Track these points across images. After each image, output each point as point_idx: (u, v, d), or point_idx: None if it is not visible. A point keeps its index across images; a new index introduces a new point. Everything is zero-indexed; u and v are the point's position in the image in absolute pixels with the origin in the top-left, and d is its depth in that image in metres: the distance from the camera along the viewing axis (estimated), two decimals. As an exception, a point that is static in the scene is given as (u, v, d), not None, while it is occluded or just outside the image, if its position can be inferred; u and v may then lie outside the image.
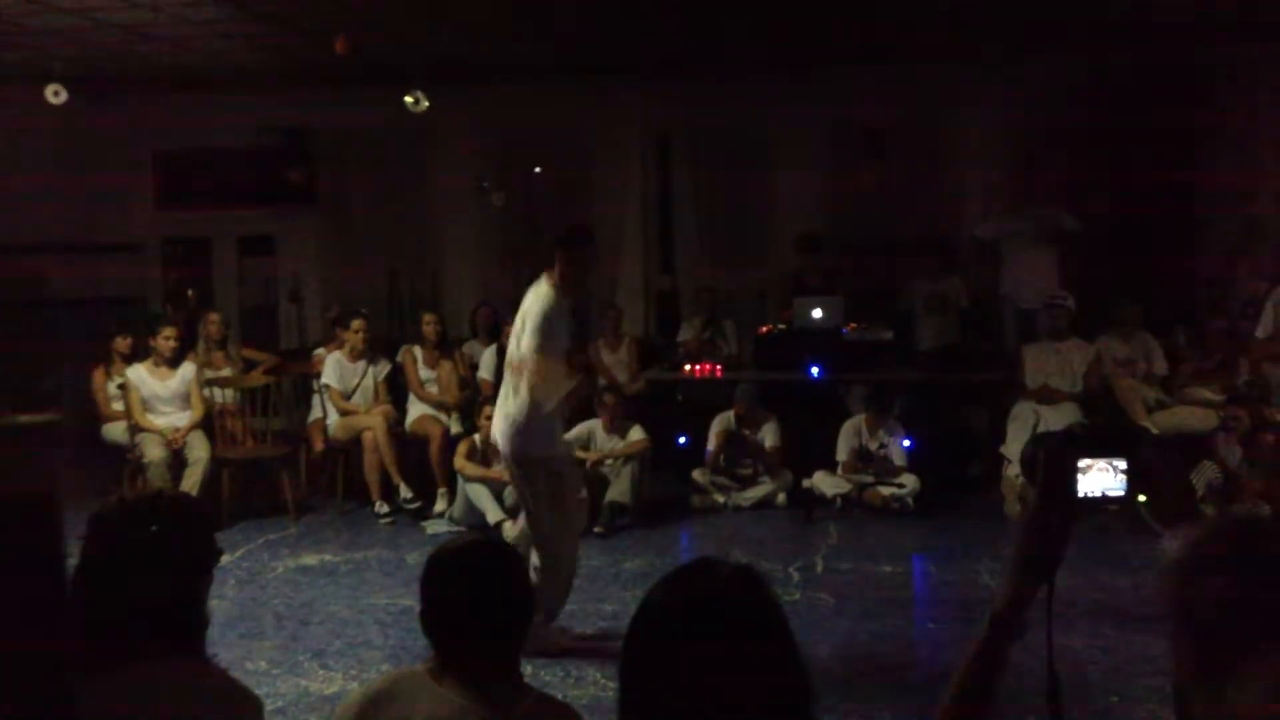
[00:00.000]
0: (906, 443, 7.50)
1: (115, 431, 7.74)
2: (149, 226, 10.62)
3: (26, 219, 9.78)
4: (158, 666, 2.00)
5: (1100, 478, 1.59)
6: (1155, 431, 7.09)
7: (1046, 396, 7.44)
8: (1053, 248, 8.63)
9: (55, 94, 7.70)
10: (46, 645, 1.26)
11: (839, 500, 7.36)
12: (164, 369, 7.52)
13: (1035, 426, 7.31)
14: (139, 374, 7.54)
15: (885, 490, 7.32)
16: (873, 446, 7.50)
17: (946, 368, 8.12)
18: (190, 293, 10.76)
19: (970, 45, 8.62)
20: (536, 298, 4.79)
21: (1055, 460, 1.59)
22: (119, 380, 7.76)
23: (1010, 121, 9.17)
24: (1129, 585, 5.58)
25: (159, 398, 7.49)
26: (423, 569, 2.29)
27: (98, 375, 7.98)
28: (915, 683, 4.54)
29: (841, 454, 7.52)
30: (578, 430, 7.50)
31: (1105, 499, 1.60)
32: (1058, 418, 7.27)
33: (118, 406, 7.74)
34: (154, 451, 7.21)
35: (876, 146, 9.49)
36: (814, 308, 8.26)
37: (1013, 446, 7.29)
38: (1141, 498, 1.65)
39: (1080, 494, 1.59)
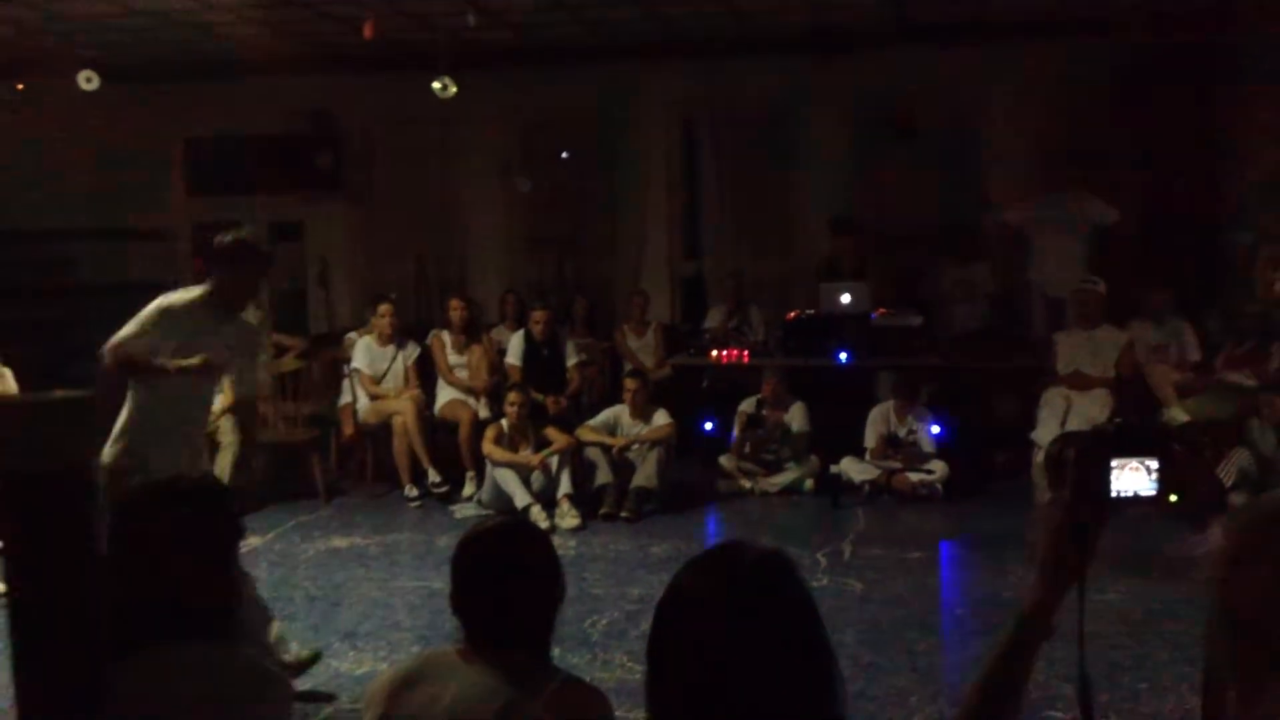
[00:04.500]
0: (935, 429, 7.47)
1: (147, 415, 7.82)
2: (179, 212, 10.70)
3: (58, 204, 9.88)
4: (186, 648, 2.03)
5: (1133, 478, 1.57)
6: (1187, 418, 7.02)
7: (1078, 383, 7.39)
8: (1081, 234, 8.55)
9: (87, 80, 7.76)
10: (78, 618, 1.28)
11: (867, 486, 7.34)
12: (195, 354, 7.59)
13: (1066, 413, 7.26)
14: (170, 359, 7.62)
15: (914, 476, 7.29)
16: (901, 432, 7.47)
17: (975, 354, 8.07)
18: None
19: (1002, 27, 8.53)
20: (175, 295, 4.27)
21: (1088, 460, 1.57)
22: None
23: (1041, 105, 9.07)
24: (1157, 572, 5.55)
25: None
26: (454, 551, 2.31)
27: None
28: (942, 669, 4.53)
29: (869, 440, 7.50)
30: (604, 415, 7.52)
31: (1137, 499, 1.58)
32: (1089, 404, 7.22)
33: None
34: (185, 435, 7.27)
35: (905, 130, 9.42)
36: (841, 293, 8.22)
37: (1043, 433, 7.22)
38: (1173, 498, 1.61)
39: (1113, 494, 1.58)
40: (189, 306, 4.25)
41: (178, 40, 8.79)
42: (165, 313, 4.23)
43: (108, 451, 4.15)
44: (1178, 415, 7.05)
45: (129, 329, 4.21)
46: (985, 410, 8.07)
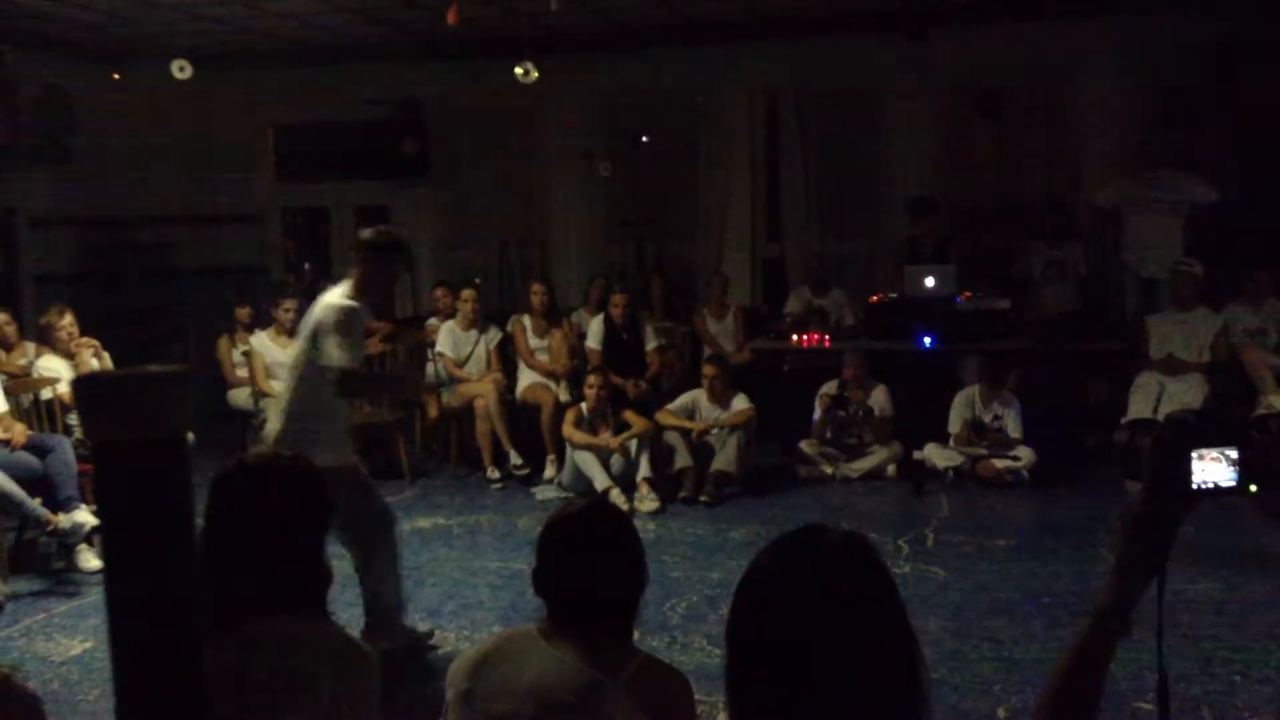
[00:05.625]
0: (1022, 414, 7.32)
1: (240, 397, 8.07)
2: (270, 198, 10.95)
3: (155, 191, 10.17)
4: (279, 622, 2.08)
5: (1213, 468, 1.52)
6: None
7: (1171, 367, 7.19)
8: (1176, 215, 8.29)
9: (180, 69, 7.94)
10: (175, 591, 1.31)
11: (950, 472, 7.23)
12: (284, 338, 7.79)
13: (1159, 398, 7.07)
14: (262, 341, 7.87)
15: (999, 463, 7.16)
16: (986, 418, 7.35)
17: (1065, 337, 7.89)
18: (307, 265, 11.09)
19: (1096, 1, 8.30)
20: (327, 309, 4.42)
21: (1168, 450, 1.52)
22: (243, 348, 8.10)
23: (1136, 81, 8.80)
24: (1250, 563, 5.39)
25: (281, 365, 7.71)
26: (541, 531, 2.33)
27: (223, 343, 8.36)
28: (1027, 659, 4.46)
29: (954, 426, 7.38)
30: (682, 400, 7.52)
31: (1217, 490, 1.53)
32: (1182, 389, 7.03)
33: (242, 373, 8.07)
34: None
35: (993, 107, 9.20)
36: (926, 276, 8.10)
37: (1134, 418, 7.06)
38: (1253, 488, 1.55)
39: (1194, 485, 1.53)
40: (355, 307, 4.46)
41: (268, 28, 8.97)
42: (355, 318, 4.45)
43: (271, 427, 4.61)
44: (1276, 401, 6.83)
45: (342, 352, 4.35)
46: (1077, 394, 7.89)
